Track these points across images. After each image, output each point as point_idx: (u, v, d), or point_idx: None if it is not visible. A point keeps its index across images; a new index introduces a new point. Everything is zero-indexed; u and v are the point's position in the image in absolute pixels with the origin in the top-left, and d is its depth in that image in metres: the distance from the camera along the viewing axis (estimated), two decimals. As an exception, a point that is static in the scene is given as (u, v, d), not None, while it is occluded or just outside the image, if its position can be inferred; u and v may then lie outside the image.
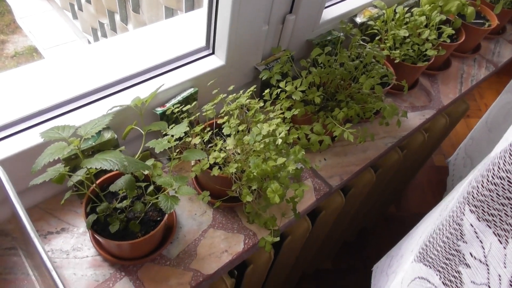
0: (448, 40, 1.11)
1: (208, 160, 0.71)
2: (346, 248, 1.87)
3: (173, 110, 0.80)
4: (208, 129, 0.81)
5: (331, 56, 0.90)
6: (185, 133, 0.75)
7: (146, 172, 0.71)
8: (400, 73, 1.10)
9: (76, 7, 2.96)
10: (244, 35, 0.88)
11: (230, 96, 0.84)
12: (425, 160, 1.71)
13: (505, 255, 0.45)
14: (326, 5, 1.10)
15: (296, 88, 0.83)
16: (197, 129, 0.75)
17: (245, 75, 0.99)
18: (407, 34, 1.04)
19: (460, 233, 0.51)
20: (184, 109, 0.79)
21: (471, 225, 0.49)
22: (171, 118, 0.83)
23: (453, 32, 1.13)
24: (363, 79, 0.82)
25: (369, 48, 0.92)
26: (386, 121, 0.92)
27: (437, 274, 0.56)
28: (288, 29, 0.98)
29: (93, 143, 0.76)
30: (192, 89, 0.87)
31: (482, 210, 0.48)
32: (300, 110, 0.86)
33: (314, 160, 0.97)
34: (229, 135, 0.74)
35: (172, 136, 0.66)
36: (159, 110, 0.83)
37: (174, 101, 0.84)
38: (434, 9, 1.17)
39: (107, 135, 0.77)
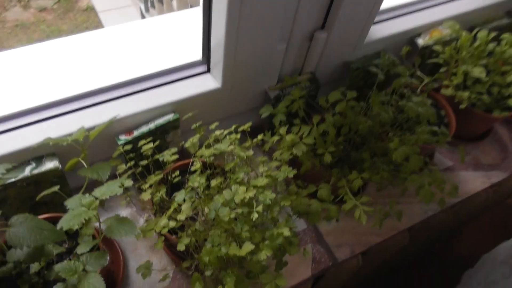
0: (544, 86, 0.81)
1: (155, 227, 0.53)
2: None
3: (139, 145, 0.62)
4: (177, 173, 0.62)
5: (359, 102, 0.66)
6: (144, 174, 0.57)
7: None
8: (466, 120, 0.83)
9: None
10: (249, 55, 0.67)
11: (217, 132, 0.64)
12: (488, 209, 1.39)
13: None
14: (376, 20, 0.84)
15: (301, 138, 0.61)
16: (152, 178, 0.57)
17: (253, 99, 0.78)
18: (483, 75, 0.76)
19: None
20: (146, 148, 0.60)
21: None
22: (138, 151, 0.66)
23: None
24: (395, 143, 0.58)
25: (412, 101, 0.66)
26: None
27: None
28: (317, 48, 0.75)
29: (29, 174, 0.60)
30: (172, 115, 0.68)
31: None
32: (305, 166, 0.64)
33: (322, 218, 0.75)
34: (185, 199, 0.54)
35: (96, 198, 0.48)
36: (122, 139, 0.65)
37: (144, 128, 0.66)
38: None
39: (50, 164, 0.62)
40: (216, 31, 0.63)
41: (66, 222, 0.44)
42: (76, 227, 0.45)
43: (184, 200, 0.53)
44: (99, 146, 0.65)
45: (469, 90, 0.81)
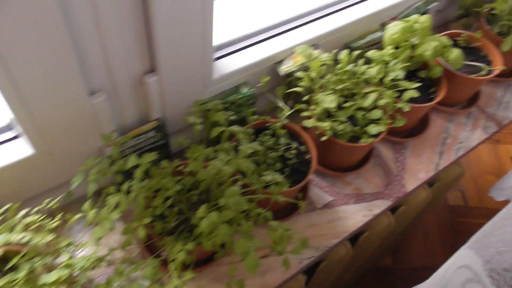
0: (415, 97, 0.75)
1: None
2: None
3: None
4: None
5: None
6: None
7: None
8: (335, 151, 0.77)
9: None
10: (51, 114, 0.58)
11: (21, 213, 0.55)
12: (431, 208, 1.35)
13: None
14: (227, 52, 0.77)
15: (109, 212, 0.52)
16: None
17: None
18: (333, 105, 0.69)
19: None
20: None
21: None
22: None
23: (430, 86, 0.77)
24: (201, 212, 0.50)
25: (242, 147, 0.58)
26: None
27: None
28: (153, 93, 0.67)
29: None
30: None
31: None
32: (126, 242, 0.55)
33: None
34: None
35: None
36: None
37: None
38: (403, 53, 0.81)
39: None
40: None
41: None
42: None
43: None
44: None
45: (333, 118, 0.75)
